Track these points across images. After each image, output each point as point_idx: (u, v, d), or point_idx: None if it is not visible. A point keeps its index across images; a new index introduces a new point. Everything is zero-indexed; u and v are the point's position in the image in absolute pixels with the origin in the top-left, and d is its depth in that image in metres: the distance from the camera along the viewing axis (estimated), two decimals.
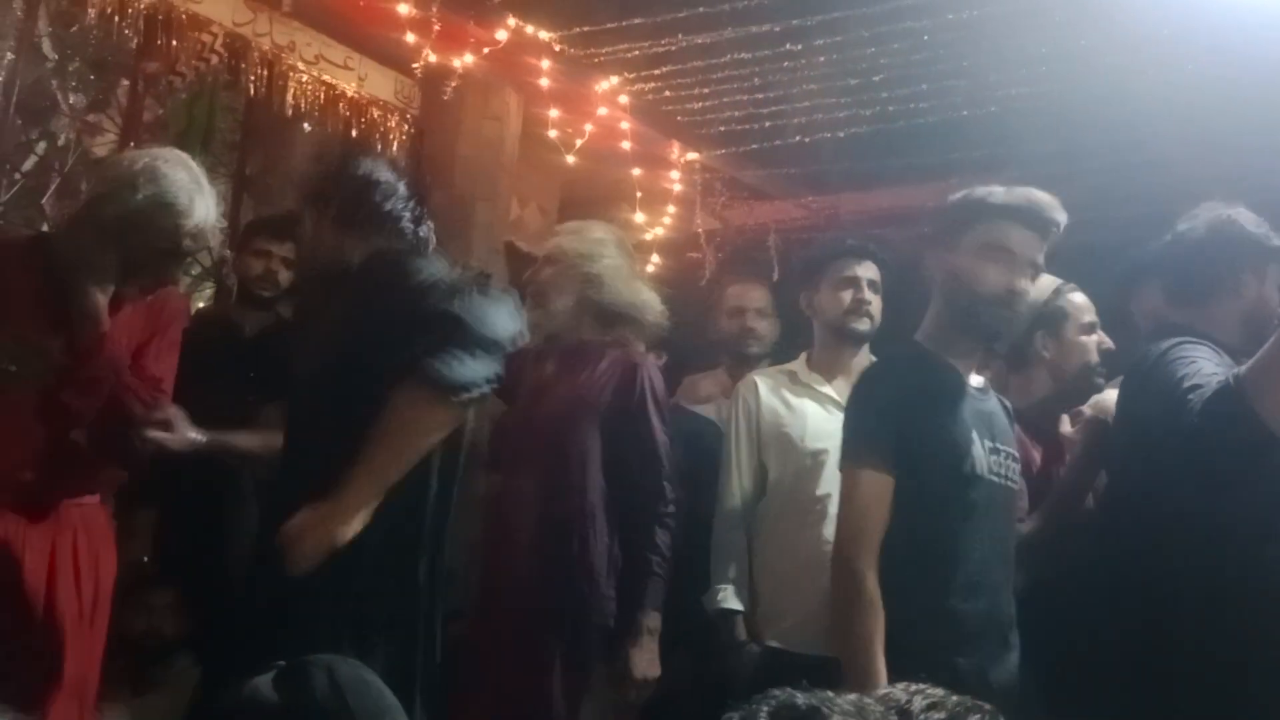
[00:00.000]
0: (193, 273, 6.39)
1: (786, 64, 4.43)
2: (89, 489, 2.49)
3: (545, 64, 4.62)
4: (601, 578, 2.80)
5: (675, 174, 5.45)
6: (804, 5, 4.10)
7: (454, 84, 4.46)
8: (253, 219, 4.28)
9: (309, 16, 4.26)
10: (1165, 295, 2.56)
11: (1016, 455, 2.45)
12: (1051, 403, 2.88)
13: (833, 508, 2.93)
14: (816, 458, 3.02)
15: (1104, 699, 2.37)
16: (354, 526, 2.00)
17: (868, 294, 3.14)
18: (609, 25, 4.38)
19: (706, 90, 4.73)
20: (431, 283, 2.11)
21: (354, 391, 2.08)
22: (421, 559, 2.22)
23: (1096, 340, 2.88)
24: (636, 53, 4.49)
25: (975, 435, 2.32)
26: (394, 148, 4.67)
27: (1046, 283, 2.89)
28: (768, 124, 4.87)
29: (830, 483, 2.97)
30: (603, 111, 4.89)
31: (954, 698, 1.32)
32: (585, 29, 4.46)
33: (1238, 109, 3.88)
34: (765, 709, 1.12)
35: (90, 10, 3.70)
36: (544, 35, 4.52)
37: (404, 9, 4.16)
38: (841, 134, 4.73)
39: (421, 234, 2.39)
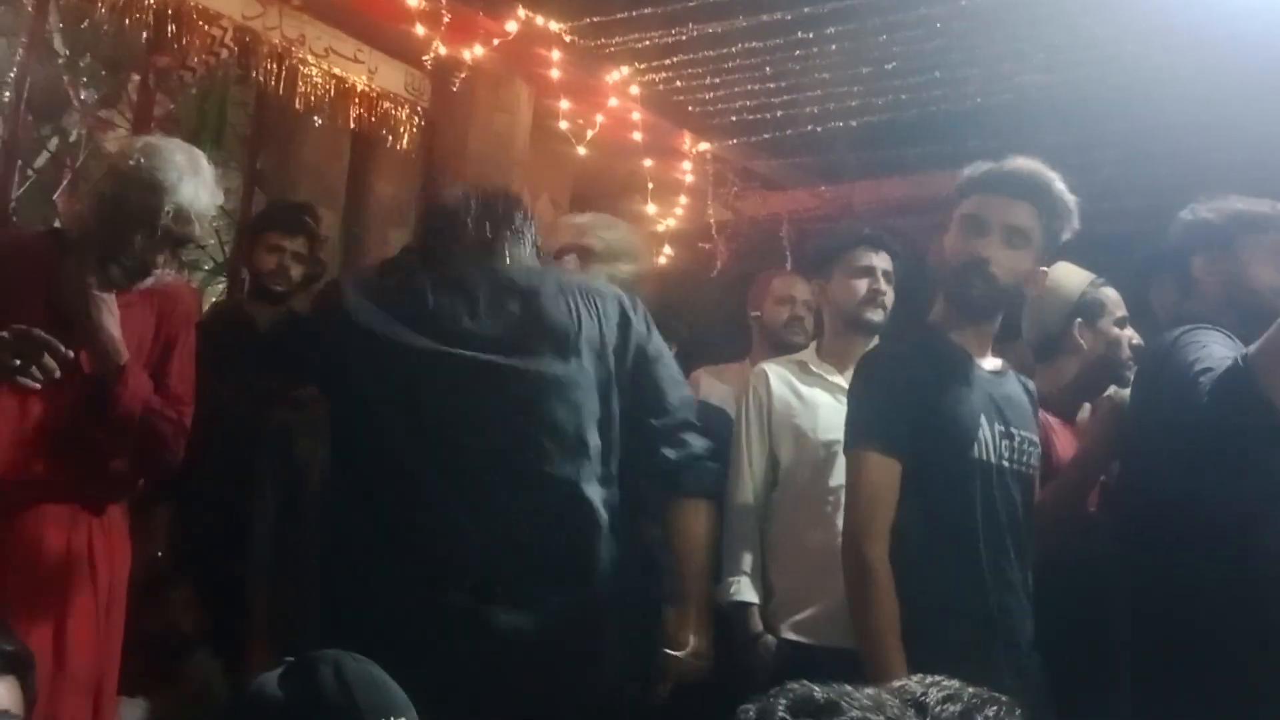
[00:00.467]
0: (205, 268, 6.42)
1: (798, 52, 4.41)
2: (121, 495, 2.50)
3: (555, 55, 4.61)
4: None
5: (687, 164, 5.44)
6: None
7: (464, 76, 4.46)
8: (263, 212, 4.28)
9: (318, 9, 4.26)
10: (1176, 285, 2.56)
11: (1036, 440, 2.40)
12: (1079, 393, 2.87)
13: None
14: (829, 449, 3.00)
15: (1118, 689, 2.36)
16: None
17: (883, 284, 3.12)
18: (619, 15, 4.37)
19: (718, 80, 4.72)
20: None
21: None
22: None
23: (1128, 335, 2.88)
24: (647, 43, 4.48)
25: (983, 419, 2.28)
26: (405, 141, 4.67)
27: (1081, 275, 2.91)
28: (780, 113, 4.86)
29: (843, 474, 2.97)
30: (614, 102, 4.88)
31: (970, 689, 1.31)
32: (595, 19, 4.45)
33: (1254, 98, 3.85)
34: (783, 702, 1.11)
35: (101, 6, 3.71)
36: (554, 26, 4.51)
37: (413, 1, 4.15)
38: (854, 123, 4.72)
39: None
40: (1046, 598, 2.38)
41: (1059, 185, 2.32)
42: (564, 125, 4.91)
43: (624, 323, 2.38)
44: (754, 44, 4.39)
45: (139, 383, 2.37)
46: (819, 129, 4.85)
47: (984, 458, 2.27)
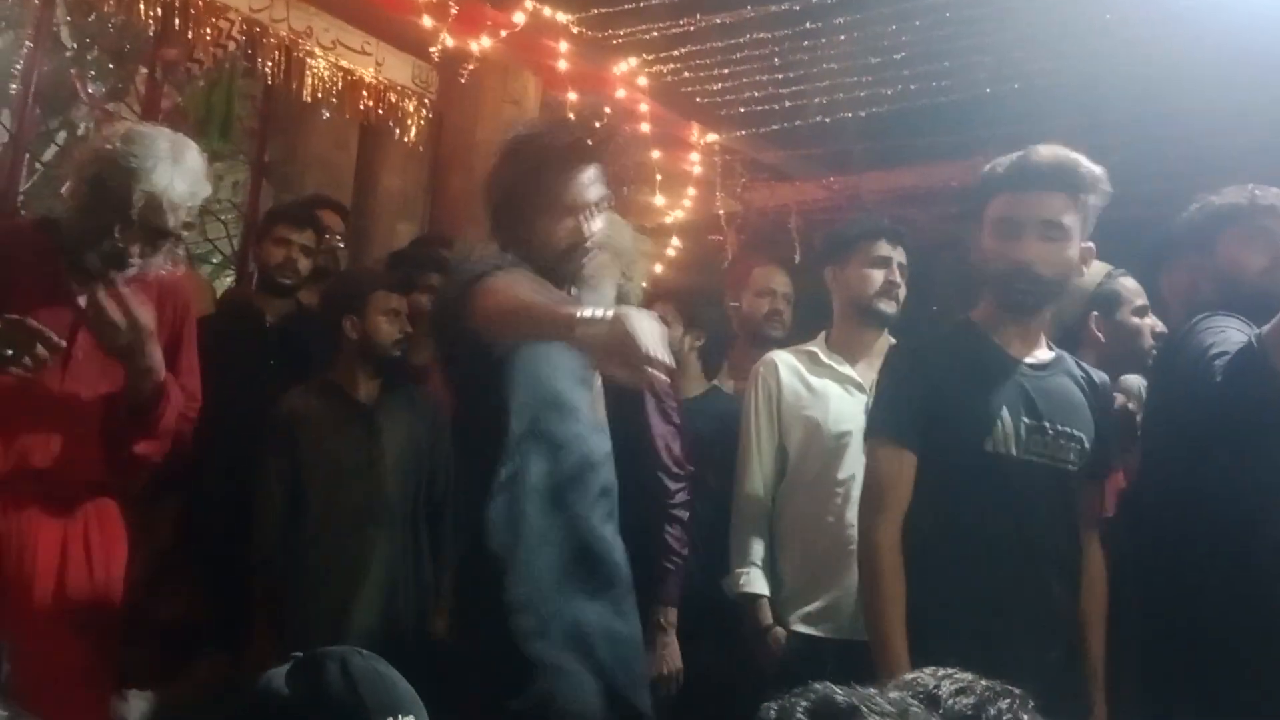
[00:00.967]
0: (214, 261, 6.42)
1: (806, 43, 4.39)
2: (122, 487, 2.50)
3: (563, 47, 4.59)
4: None
5: (695, 156, 5.42)
6: None
7: (471, 68, 4.44)
8: (273, 207, 4.28)
9: (326, 2, 4.25)
10: (1186, 276, 2.56)
11: (1079, 435, 2.32)
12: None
13: (855, 490, 2.92)
14: (839, 440, 2.99)
15: (1129, 684, 2.35)
16: None
17: (898, 277, 3.10)
18: (627, 6, 4.35)
19: (726, 71, 4.70)
20: None
21: None
22: None
23: (1149, 324, 2.86)
24: (655, 34, 4.46)
25: (1006, 412, 2.25)
26: (412, 133, 4.66)
27: (1097, 267, 2.87)
28: (788, 104, 4.84)
29: (853, 465, 2.95)
30: (621, 94, 4.86)
31: (983, 682, 1.30)
32: (603, 10, 4.43)
33: (1264, 83, 3.83)
34: (803, 704, 1.10)
35: None
36: (562, 18, 4.50)
37: None
38: (863, 113, 4.70)
39: None
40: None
41: (1085, 163, 2.26)
42: (572, 116, 4.90)
43: None
44: (762, 35, 4.37)
45: (175, 395, 2.37)
46: (827, 120, 4.83)
47: (999, 450, 2.24)
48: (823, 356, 3.11)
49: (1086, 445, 2.31)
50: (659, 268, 5.32)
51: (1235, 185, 2.54)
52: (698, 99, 5.01)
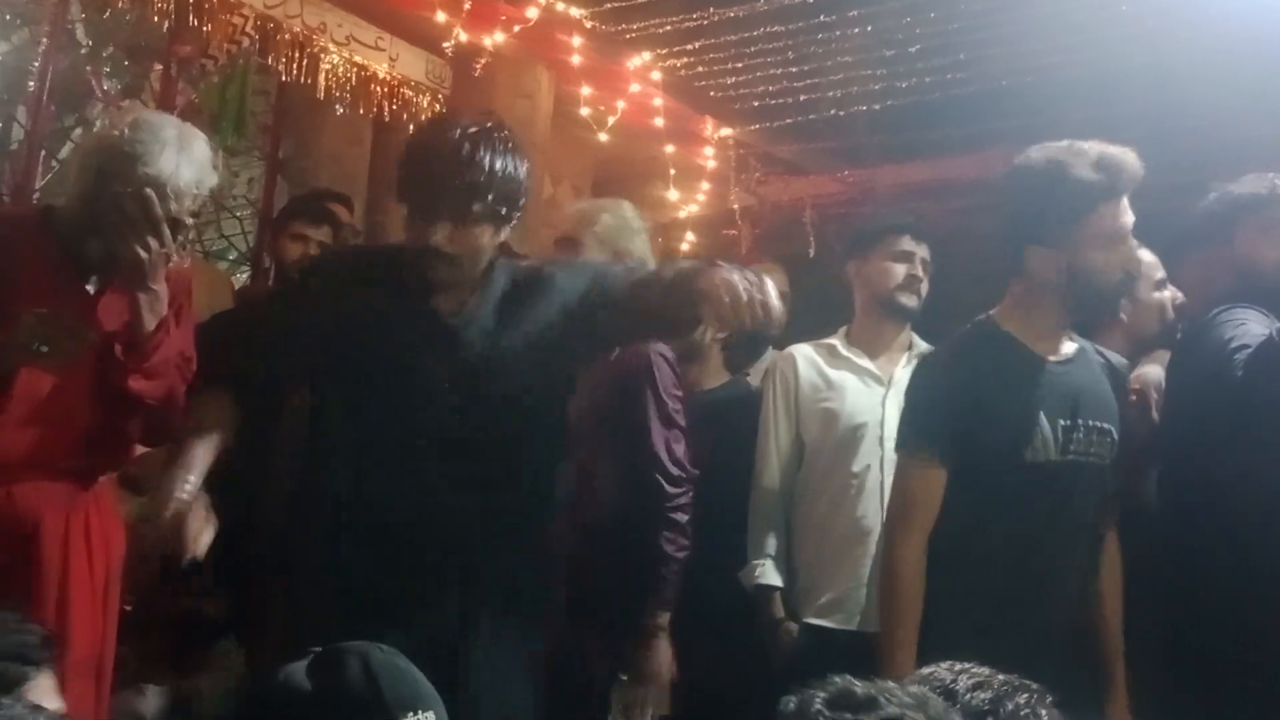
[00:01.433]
0: (230, 257, 6.44)
1: (820, 36, 4.38)
2: (120, 465, 2.50)
3: (576, 41, 4.59)
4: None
5: (709, 150, 5.41)
6: None
7: (485, 62, 4.44)
8: (289, 202, 4.29)
9: None
10: (1204, 268, 2.54)
11: (1108, 428, 2.30)
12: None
13: (870, 481, 2.93)
14: (856, 432, 2.98)
15: (1153, 682, 2.34)
16: None
17: (921, 271, 3.08)
18: (640, 0, 4.35)
19: (740, 65, 4.69)
20: None
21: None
22: None
23: (1170, 296, 2.83)
24: (669, 28, 4.46)
25: (1043, 417, 2.21)
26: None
27: None
28: (802, 98, 4.83)
29: (868, 456, 2.95)
30: (635, 88, 4.86)
31: (1000, 677, 1.30)
32: (616, 5, 4.43)
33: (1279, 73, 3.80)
34: (821, 695, 1.10)
35: None
36: (575, 12, 4.49)
37: None
38: (877, 106, 4.69)
39: None
40: None
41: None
42: (585, 111, 4.89)
43: None
44: (776, 28, 4.36)
45: (174, 334, 2.35)
46: (842, 113, 4.82)
47: (1038, 459, 2.20)
48: (841, 349, 3.10)
49: (1115, 437, 2.29)
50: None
51: (1254, 174, 2.52)
52: (712, 93, 5.00)
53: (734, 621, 2.99)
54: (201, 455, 2.12)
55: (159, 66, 4.77)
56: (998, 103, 4.33)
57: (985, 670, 1.30)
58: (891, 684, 1.13)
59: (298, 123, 5.14)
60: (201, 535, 2.04)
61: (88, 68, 5.41)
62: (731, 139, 5.41)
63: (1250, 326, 2.22)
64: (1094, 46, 4.06)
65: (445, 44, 4.33)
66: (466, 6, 4.23)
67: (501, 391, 2.13)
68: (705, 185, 5.45)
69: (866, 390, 3.03)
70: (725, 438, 3.12)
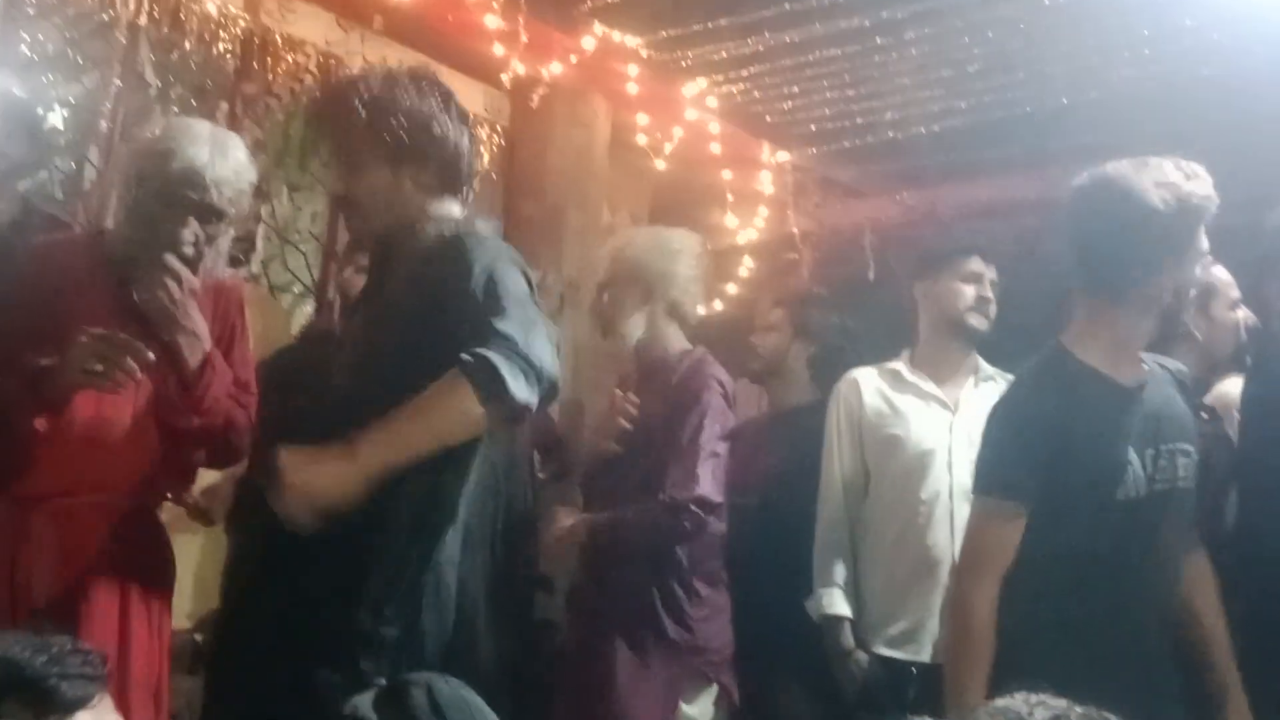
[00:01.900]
0: (294, 290, 6.54)
1: (877, 58, 4.35)
2: (181, 491, 2.53)
3: (633, 70, 4.60)
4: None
5: (766, 175, 5.40)
6: None
7: (542, 94, 4.47)
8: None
9: (399, 33, 4.31)
10: None
11: (1188, 449, 2.25)
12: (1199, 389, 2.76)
13: (939, 510, 2.88)
14: (922, 460, 2.94)
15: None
16: (348, 489, 1.91)
17: (990, 293, 3.04)
18: (695, 28, 4.35)
19: (796, 89, 4.68)
20: (490, 291, 2.00)
21: (401, 368, 2.02)
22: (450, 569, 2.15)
23: (1244, 316, 2.76)
24: (724, 54, 4.46)
25: (1133, 453, 2.15)
26: (484, 159, 4.70)
27: None
28: (859, 120, 4.79)
29: (936, 483, 2.91)
30: (691, 115, 4.86)
31: (1078, 709, 1.26)
32: (671, 33, 4.44)
33: None
34: None
35: (189, 37, 3.79)
36: (631, 41, 4.51)
37: (491, 21, 4.18)
38: (936, 127, 4.64)
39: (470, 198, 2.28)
40: None
41: None
42: (642, 139, 4.91)
43: None
44: (832, 51, 4.34)
45: (223, 368, 2.38)
46: (900, 135, 4.78)
47: (1129, 496, 2.14)
48: (906, 374, 3.06)
49: (1195, 456, 2.24)
50: (732, 288, 5.30)
51: None
52: (768, 118, 4.99)
53: (803, 651, 2.97)
54: None
55: (225, 105, 4.86)
56: (1060, 120, 4.27)
57: (1061, 702, 1.26)
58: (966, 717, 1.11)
59: None
60: None
61: (157, 108, 5.53)
62: (789, 163, 5.39)
63: None
64: (1158, 60, 3.99)
65: (503, 76, 4.37)
66: (523, 39, 4.27)
67: None
68: (763, 210, 5.43)
69: (932, 416, 2.98)
70: (809, 454, 3.09)
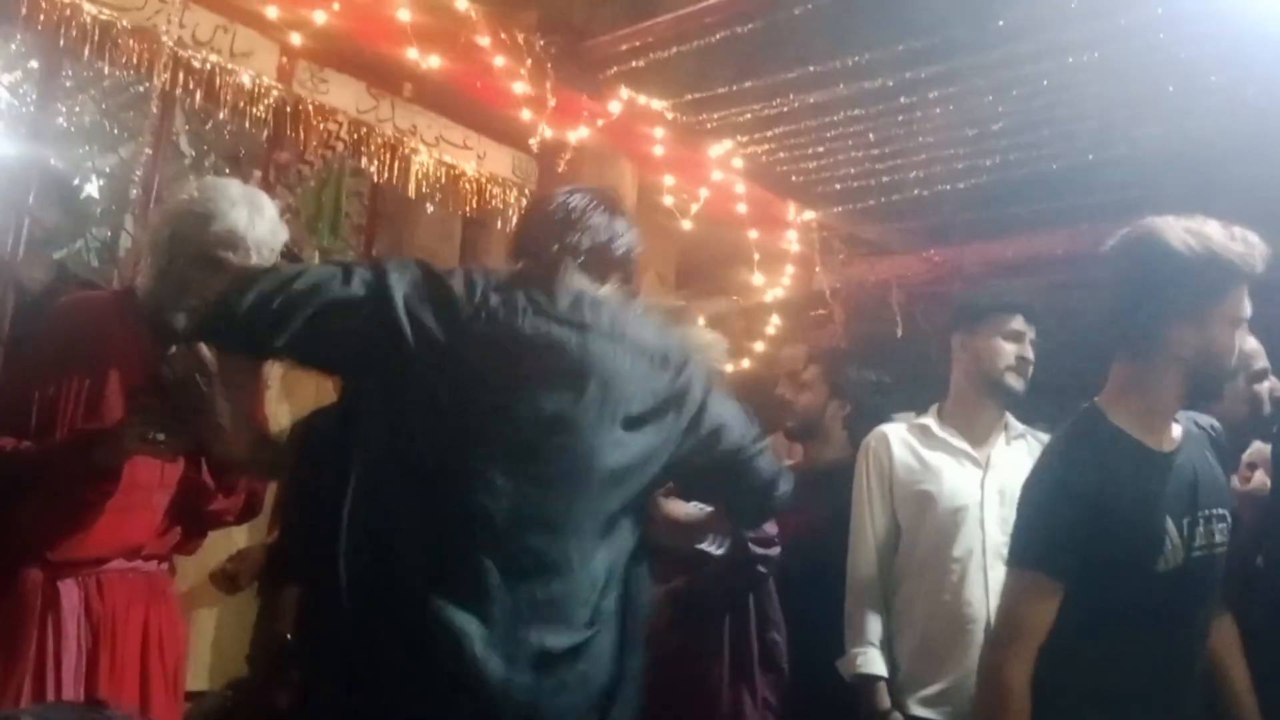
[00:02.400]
0: None
1: (901, 118, 4.39)
2: (190, 550, 2.55)
3: (658, 133, 4.66)
4: None
5: (792, 234, 5.43)
6: (917, 58, 4.05)
7: (569, 157, 4.53)
8: None
9: (429, 100, 4.38)
10: None
11: (1224, 513, 2.19)
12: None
13: (973, 567, 2.84)
14: (954, 516, 2.91)
15: None
16: None
17: (1030, 353, 2.97)
18: (720, 90, 4.41)
19: (821, 149, 4.72)
20: None
21: None
22: None
23: (1269, 387, 2.72)
24: (749, 115, 4.50)
25: (1171, 523, 2.10)
26: (514, 222, 4.75)
27: None
28: (885, 179, 4.82)
29: (969, 540, 2.87)
30: (717, 176, 4.91)
31: None
32: (697, 96, 4.50)
33: None
34: None
35: (223, 106, 3.87)
36: (656, 104, 4.57)
37: (519, 87, 4.25)
38: (962, 185, 4.66)
39: None
40: None
41: None
42: (668, 200, 4.95)
43: None
44: (856, 111, 4.38)
45: None
46: (926, 193, 4.80)
47: (1167, 567, 2.09)
48: (936, 430, 3.03)
49: (1229, 519, 2.20)
50: (760, 345, 5.31)
51: None
52: (793, 177, 5.03)
53: (838, 711, 2.92)
54: None
55: (258, 173, 4.95)
56: (1087, 177, 4.28)
57: None
58: None
59: (391, 221, 5.28)
60: None
61: (191, 177, 5.63)
62: (815, 222, 5.42)
63: None
64: (1184, 117, 3.99)
65: (531, 140, 4.43)
66: (550, 104, 4.33)
67: None
68: (790, 268, 5.46)
69: (963, 472, 2.95)
70: (845, 511, 3.07)
